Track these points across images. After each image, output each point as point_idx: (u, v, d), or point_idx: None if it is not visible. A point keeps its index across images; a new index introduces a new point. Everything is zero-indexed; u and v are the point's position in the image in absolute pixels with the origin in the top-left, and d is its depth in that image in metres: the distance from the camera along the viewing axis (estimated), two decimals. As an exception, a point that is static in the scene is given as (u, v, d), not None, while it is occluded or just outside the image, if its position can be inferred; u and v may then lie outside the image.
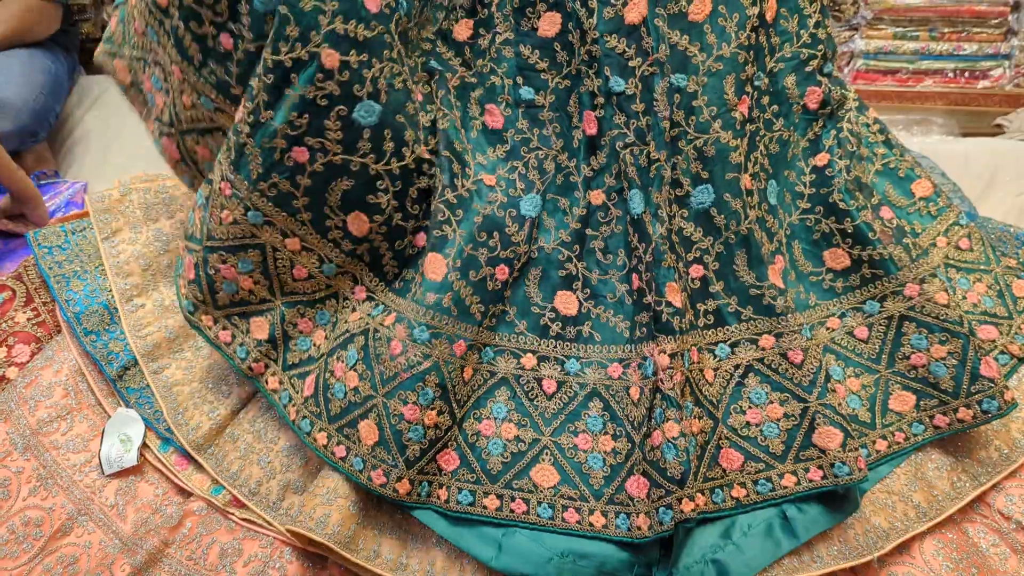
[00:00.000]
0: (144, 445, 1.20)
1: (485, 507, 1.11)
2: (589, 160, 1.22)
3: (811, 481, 1.09)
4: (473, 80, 1.24)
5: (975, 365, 1.15)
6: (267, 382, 1.16)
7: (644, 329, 1.15)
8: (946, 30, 2.02)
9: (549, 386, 1.17)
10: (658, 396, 1.09)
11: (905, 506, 1.12)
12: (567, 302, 1.20)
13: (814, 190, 1.28)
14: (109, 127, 1.99)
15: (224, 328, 1.16)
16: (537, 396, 1.16)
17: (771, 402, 1.14)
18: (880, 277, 1.23)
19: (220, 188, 1.13)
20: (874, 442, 1.16)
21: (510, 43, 1.22)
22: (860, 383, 1.19)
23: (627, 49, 1.18)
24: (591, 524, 1.09)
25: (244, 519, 1.14)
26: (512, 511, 1.10)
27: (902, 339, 1.20)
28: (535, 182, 1.21)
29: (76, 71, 2.10)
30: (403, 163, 1.15)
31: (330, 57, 1.04)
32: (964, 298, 1.30)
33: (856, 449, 1.09)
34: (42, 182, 1.78)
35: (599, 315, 1.20)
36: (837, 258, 1.25)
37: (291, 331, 1.17)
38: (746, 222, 1.20)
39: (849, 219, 1.25)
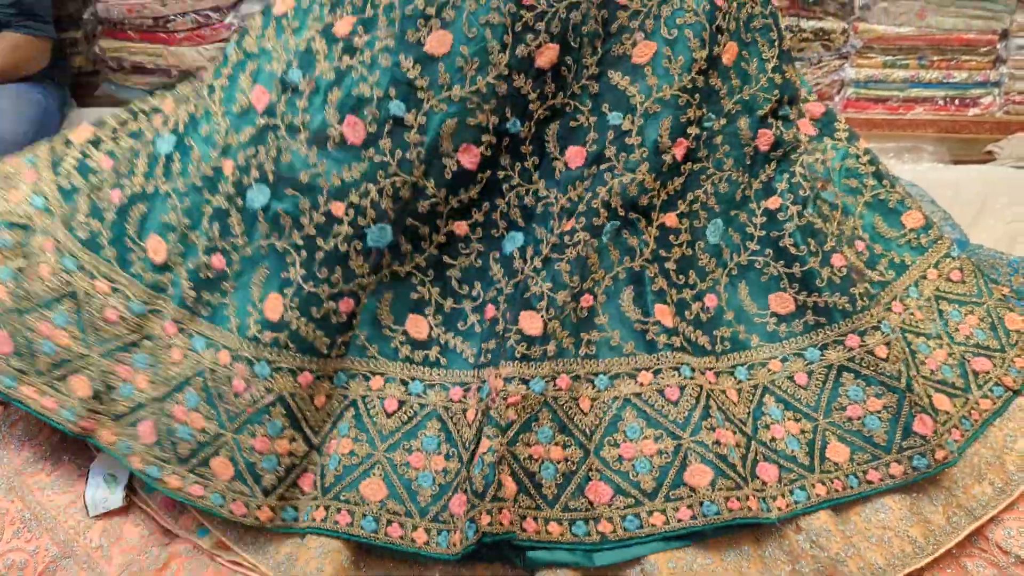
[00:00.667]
0: (131, 487, 1.18)
1: (314, 519, 1.11)
2: (458, 192, 1.21)
3: (679, 521, 1.08)
4: (332, 79, 1.17)
5: (908, 421, 1.15)
6: (101, 437, 1.14)
7: (488, 355, 1.17)
8: (935, 58, 2.03)
9: (391, 404, 1.18)
10: (485, 417, 1.11)
11: (901, 541, 1.11)
12: (418, 326, 1.21)
13: (764, 232, 1.29)
14: (100, 160, 1.99)
15: (47, 396, 1.14)
16: (378, 414, 1.18)
17: (645, 437, 1.14)
18: (823, 325, 1.24)
19: (43, 247, 1.18)
20: (813, 485, 1.15)
21: (389, 51, 1.17)
22: (799, 427, 1.19)
23: (531, 92, 1.20)
24: (413, 540, 1.09)
25: (231, 561, 1.12)
26: (336, 522, 1.11)
27: (840, 389, 1.20)
28: (387, 211, 1.17)
29: (67, 104, 2.10)
30: (188, 180, 1.18)
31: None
32: (956, 330, 1.30)
33: (731, 489, 1.09)
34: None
35: (448, 341, 1.22)
36: (782, 302, 1.26)
37: (112, 380, 1.15)
38: (640, 259, 1.22)
39: (798, 264, 1.26)
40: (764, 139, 1.30)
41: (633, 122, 1.21)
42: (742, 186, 1.30)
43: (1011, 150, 1.99)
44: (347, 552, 1.10)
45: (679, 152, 1.24)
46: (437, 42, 1.16)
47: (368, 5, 1.19)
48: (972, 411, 1.22)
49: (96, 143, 1.29)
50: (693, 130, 1.25)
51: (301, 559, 1.08)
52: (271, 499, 1.11)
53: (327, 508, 1.12)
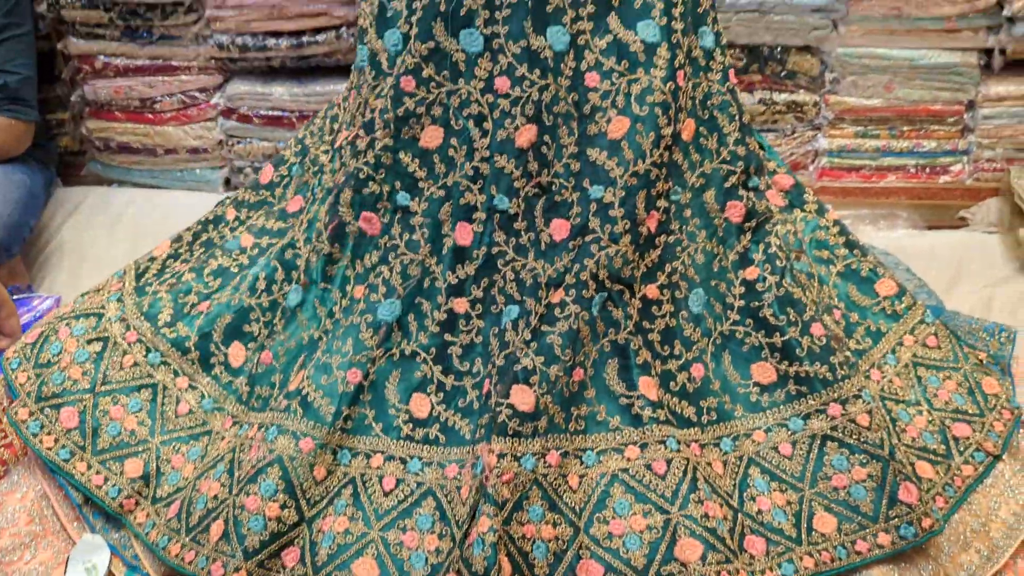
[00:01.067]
0: (110, 573, 1.16)
1: None
2: (455, 268, 1.28)
3: None
4: (344, 183, 1.32)
5: (894, 489, 1.15)
6: (136, 516, 1.20)
7: (483, 430, 1.17)
8: (905, 128, 2.09)
9: (388, 483, 1.19)
10: (481, 494, 1.11)
11: (889, 611, 1.10)
12: (420, 404, 1.24)
13: (744, 303, 1.31)
14: (83, 239, 2.00)
15: (98, 472, 1.22)
16: (375, 492, 1.18)
17: (634, 513, 1.13)
18: (805, 395, 1.25)
19: (126, 337, 1.33)
20: (801, 558, 1.14)
21: (389, 149, 1.29)
22: (785, 499, 1.19)
23: (515, 170, 1.25)
24: None
25: (212, 651, 1.10)
26: None
27: (824, 459, 1.20)
28: (397, 287, 1.28)
29: (52, 184, 2.12)
30: (272, 297, 1.34)
31: None
32: (935, 395, 1.31)
33: (721, 563, 1.08)
34: (15, 297, 1.77)
35: (448, 418, 1.23)
36: (764, 372, 1.27)
37: (164, 467, 1.24)
38: (624, 331, 1.24)
39: (778, 334, 1.27)
40: (734, 210, 1.33)
41: (615, 194, 1.24)
42: (717, 256, 1.33)
43: (982, 216, 2.04)
44: None
45: (651, 224, 1.27)
46: (430, 137, 1.28)
47: (367, 110, 1.31)
48: (955, 478, 1.22)
49: (176, 256, 1.46)
50: (662, 203, 1.29)
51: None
52: (250, 563, 1.10)
53: None
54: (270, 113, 2.10)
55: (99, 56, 2.07)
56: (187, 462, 1.25)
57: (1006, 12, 1.91)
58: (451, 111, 1.26)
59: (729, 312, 1.31)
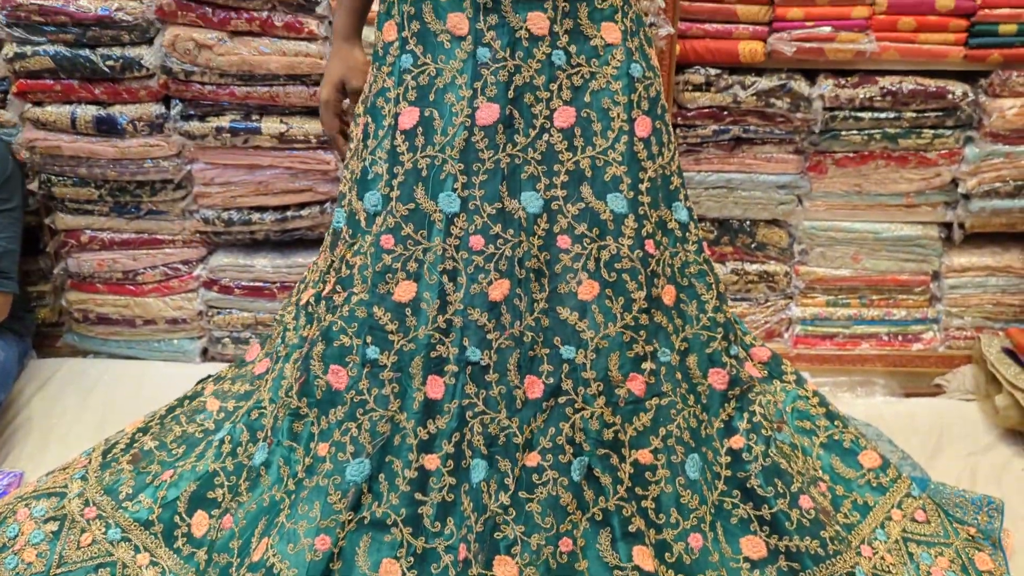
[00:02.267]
0: None
1: None
2: (426, 423, 1.26)
3: None
4: (316, 335, 1.34)
5: None
6: None
7: None
8: (875, 297, 2.14)
9: None
10: None
11: None
12: (390, 570, 1.19)
13: (730, 472, 1.30)
14: (53, 411, 1.96)
15: None
16: None
17: None
18: (796, 571, 1.22)
19: (84, 514, 1.30)
20: None
21: (364, 304, 1.30)
22: None
23: (487, 323, 1.26)
24: None
25: None
26: None
27: None
28: (365, 446, 1.25)
29: (27, 356, 2.10)
30: (237, 460, 1.33)
31: None
32: (929, 572, 1.27)
33: None
34: (-24, 473, 1.71)
35: None
36: (754, 546, 1.25)
37: None
38: (614, 498, 1.21)
39: (767, 506, 1.26)
40: (717, 377, 1.33)
41: (586, 356, 1.25)
42: (703, 423, 1.31)
43: (957, 384, 2.05)
44: None
45: (636, 387, 1.26)
46: (403, 291, 1.28)
47: (344, 266, 1.34)
48: None
49: (145, 430, 1.44)
50: (647, 365, 1.28)
51: None
52: None
53: None
54: (252, 284, 2.12)
55: (86, 230, 2.10)
56: None
57: (961, 189, 2.01)
58: (425, 266, 1.28)
59: (717, 482, 1.29)
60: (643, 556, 1.17)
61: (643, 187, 1.30)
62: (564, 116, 1.26)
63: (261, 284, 2.12)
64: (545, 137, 1.26)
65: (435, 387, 1.26)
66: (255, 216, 2.07)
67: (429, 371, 1.27)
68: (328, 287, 1.34)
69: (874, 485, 1.35)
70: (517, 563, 1.13)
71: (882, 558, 1.27)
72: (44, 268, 2.19)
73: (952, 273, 2.10)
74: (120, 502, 1.30)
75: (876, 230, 2.08)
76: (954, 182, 2.02)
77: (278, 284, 2.11)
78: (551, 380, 1.25)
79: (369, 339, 1.28)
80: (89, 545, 1.27)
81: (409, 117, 1.27)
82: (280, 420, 1.31)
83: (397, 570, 1.19)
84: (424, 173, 1.27)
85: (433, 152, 1.26)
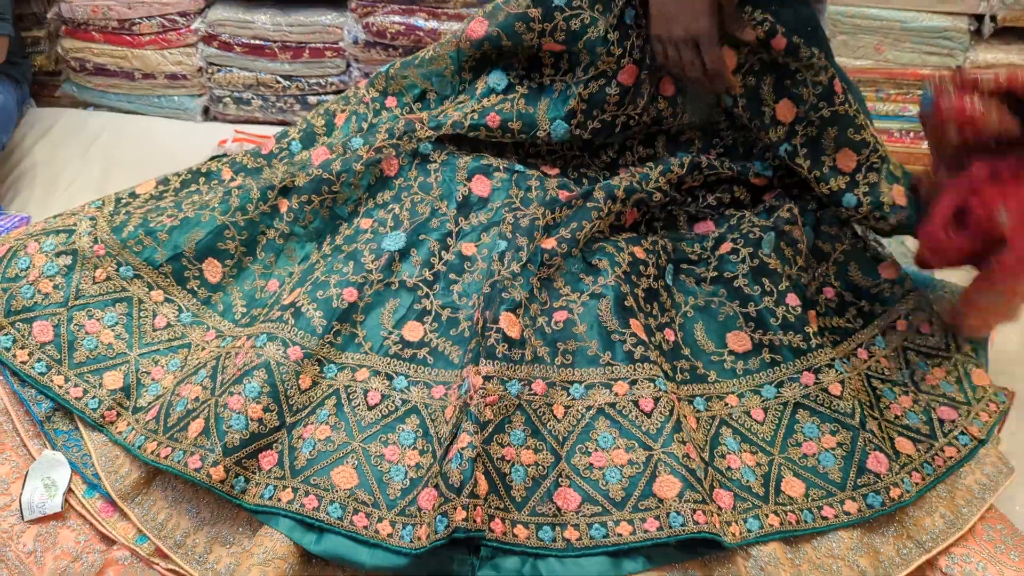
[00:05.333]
0: (69, 490, 1.15)
1: (279, 499, 1.11)
2: (468, 216, 1.36)
3: (646, 532, 1.08)
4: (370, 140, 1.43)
5: (863, 458, 1.16)
6: (116, 427, 1.20)
7: (470, 354, 1.19)
8: (892, 92, 2.08)
9: (373, 397, 1.20)
10: (463, 413, 1.12)
11: (851, 571, 1.10)
12: (414, 330, 1.27)
13: (717, 273, 1.34)
14: (56, 160, 1.96)
15: (76, 385, 1.23)
16: (359, 405, 1.20)
17: (617, 447, 1.14)
18: (779, 363, 1.26)
19: (94, 251, 1.32)
20: (767, 515, 1.14)
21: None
22: (755, 460, 1.20)
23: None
24: (377, 531, 1.08)
25: (170, 569, 1.10)
26: (303, 505, 1.10)
27: (795, 426, 1.22)
28: (404, 221, 1.34)
29: (26, 103, 2.07)
30: (248, 216, 1.36)
31: None
32: (923, 379, 1.31)
33: (697, 503, 1.09)
34: (-18, 214, 1.74)
35: (439, 344, 1.26)
36: (739, 341, 1.30)
37: (144, 379, 1.25)
38: (613, 276, 1.28)
39: (752, 304, 1.29)
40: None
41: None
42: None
43: (962, 184, 2.04)
44: (292, 560, 1.08)
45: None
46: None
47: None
48: (936, 457, 1.22)
49: (160, 198, 1.44)
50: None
51: (243, 565, 1.06)
52: (228, 459, 1.11)
53: (295, 490, 1.11)
54: (252, 42, 2.05)
55: (77, -28, 2.01)
56: (167, 373, 1.25)
57: (1000, -23, 1.89)
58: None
59: (704, 284, 1.35)
60: (638, 327, 1.23)
61: None
62: None
63: (262, 42, 2.05)
64: None
65: (483, 186, 1.37)
66: (254, -33, 1.97)
67: (476, 172, 1.36)
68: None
69: (887, 295, 1.37)
70: (520, 322, 1.20)
71: (878, 361, 1.31)
72: (37, 13, 2.12)
73: (976, 69, 2.02)
74: (124, 240, 1.32)
75: (904, 19, 1.98)
76: (994, -30, 1.90)
77: (279, 43, 2.04)
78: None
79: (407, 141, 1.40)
80: (104, 280, 1.30)
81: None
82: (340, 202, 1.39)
83: (421, 330, 1.26)
84: None
85: None
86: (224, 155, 1.50)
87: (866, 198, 1.34)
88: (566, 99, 1.38)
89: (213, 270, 1.34)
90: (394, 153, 1.40)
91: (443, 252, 1.32)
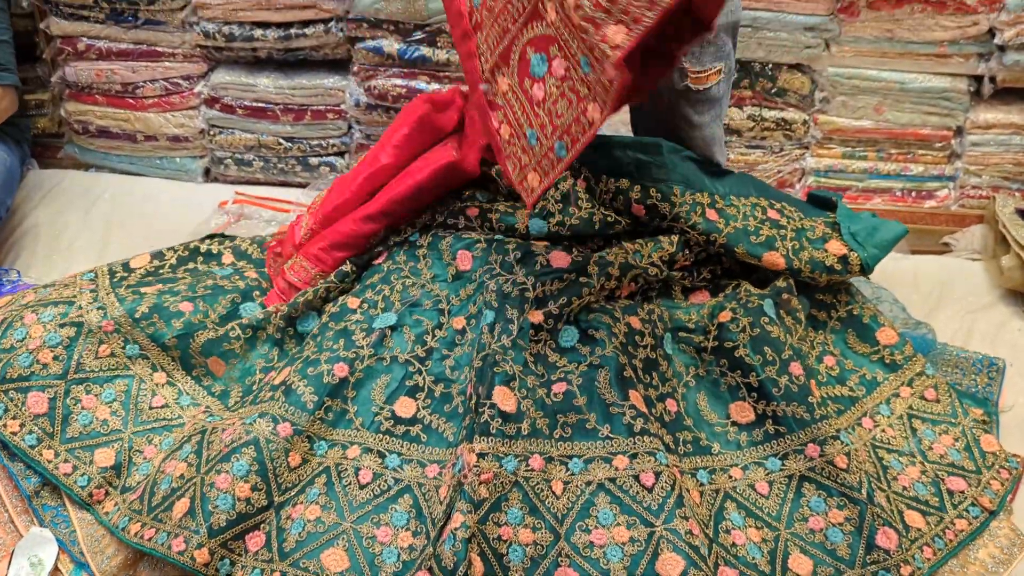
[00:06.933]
0: (56, 568, 1.12)
1: None
2: (458, 292, 1.37)
3: None
4: None
5: (871, 534, 1.14)
6: (103, 507, 1.19)
7: (465, 431, 1.17)
8: (893, 151, 2.08)
9: (365, 476, 1.18)
10: (458, 491, 1.10)
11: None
12: (406, 406, 1.25)
13: (717, 343, 1.33)
14: (57, 221, 1.96)
15: (66, 461, 1.21)
16: (350, 483, 1.17)
17: (618, 524, 1.12)
18: (783, 434, 1.24)
19: (102, 326, 1.31)
20: None
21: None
22: (760, 535, 1.17)
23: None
24: None
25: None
26: None
27: (801, 500, 1.20)
28: (395, 303, 1.35)
29: (27, 163, 2.07)
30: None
31: None
32: (931, 448, 1.29)
33: None
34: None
35: (432, 421, 1.24)
36: (742, 411, 1.28)
37: (136, 458, 1.24)
38: (611, 347, 1.27)
39: (754, 374, 1.28)
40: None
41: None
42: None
43: (966, 243, 2.03)
44: None
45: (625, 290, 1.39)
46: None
47: None
48: (947, 530, 1.19)
49: (156, 274, 1.47)
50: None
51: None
52: (214, 541, 1.08)
53: (283, 574, 1.08)
54: (254, 104, 2.06)
55: (82, 38, 2.03)
56: (159, 452, 1.24)
57: (997, 40, 1.90)
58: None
59: (704, 354, 1.34)
60: (637, 399, 1.21)
61: None
62: None
63: (264, 105, 2.06)
64: None
65: (465, 260, 1.38)
66: (257, 32, 1.98)
67: (458, 247, 1.38)
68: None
69: (887, 362, 1.36)
70: (516, 395, 1.18)
71: (883, 431, 1.29)
72: (42, 76, 2.13)
73: (976, 129, 2.03)
74: (137, 320, 1.33)
75: (903, 80, 1.99)
76: (991, 32, 1.91)
77: (281, 106, 2.06)
78: (580, 259, 1.36)
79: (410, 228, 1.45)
80: (107, 356, 1.30)
81: None
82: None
83: (413, 406, 1.25)
84: None
85: None
86: (222, 235, 1.52)
87: (807, 267, 1.39)
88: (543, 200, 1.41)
89: (217, 367, 1.35)
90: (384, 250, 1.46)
91: (436, 330, 1.32)
